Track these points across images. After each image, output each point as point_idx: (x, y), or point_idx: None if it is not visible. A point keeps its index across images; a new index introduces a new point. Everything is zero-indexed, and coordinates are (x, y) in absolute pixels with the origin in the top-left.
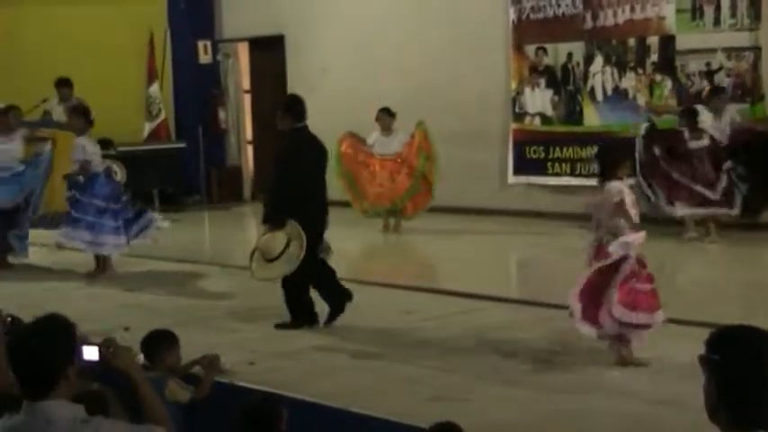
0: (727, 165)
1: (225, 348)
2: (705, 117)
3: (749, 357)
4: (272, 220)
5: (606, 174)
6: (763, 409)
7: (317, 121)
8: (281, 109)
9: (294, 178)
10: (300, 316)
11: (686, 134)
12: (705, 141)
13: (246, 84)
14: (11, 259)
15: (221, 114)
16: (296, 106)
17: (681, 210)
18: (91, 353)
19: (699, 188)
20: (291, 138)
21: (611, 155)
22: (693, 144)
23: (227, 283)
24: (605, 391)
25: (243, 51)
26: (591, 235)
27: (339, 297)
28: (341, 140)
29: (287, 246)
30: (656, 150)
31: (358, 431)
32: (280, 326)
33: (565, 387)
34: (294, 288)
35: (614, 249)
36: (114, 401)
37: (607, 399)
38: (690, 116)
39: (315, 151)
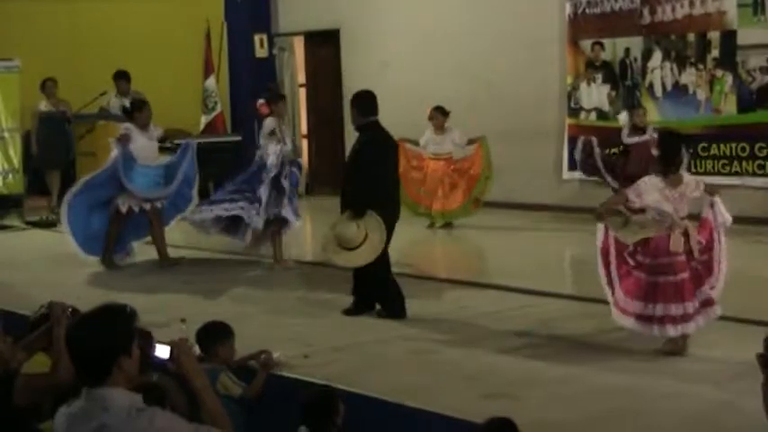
0: None
1: (280, 341)
2: None
3: None
4: (354, 210)
5: (674, 164)
6: None
7: None
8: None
9: (365, 172)
10: (388, 301)
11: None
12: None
13: (302, 78)
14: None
15: None
16: (360, 101)
17: None
18: (163, 351)
19: None
20: (360, 133)
21: (677, 143)
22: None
23: (281, 276)
24: (661, 389)
25: (299, 45)
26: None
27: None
28: None
29: (366, 236)
30: None
31: (412, 426)
32: (351, 313)
33: (618, 385)
34: (374, 277)
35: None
36: (175, 390)
37: (662, 398)
38: None
39: (381, 146)
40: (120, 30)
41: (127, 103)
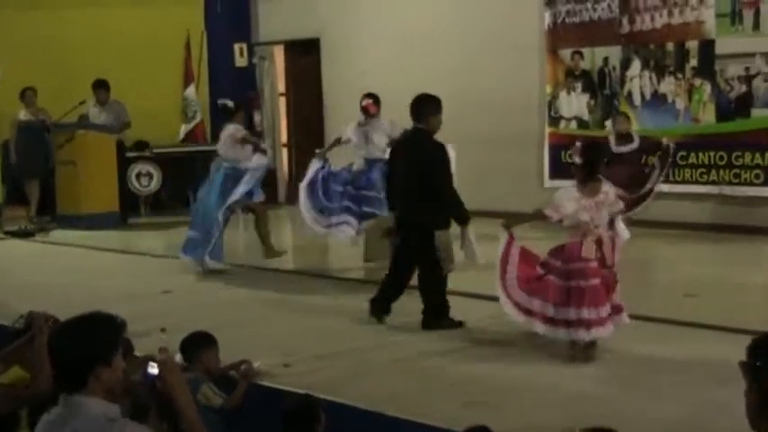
0: None
1: (260, 350)
2: None
3: None
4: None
5: (593, 174)
6: None
7: None
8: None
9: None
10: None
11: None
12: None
13: (282, 87)
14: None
15: (257, 117)
16: (411, 107)
17: None
18: (154, 368)
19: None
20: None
21: (596, 153)
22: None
23: (260, 285)
24: (645, 393)
25: (279, 54)
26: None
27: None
28: None
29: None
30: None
31: None
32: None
33: (603, 392)
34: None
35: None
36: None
37: (646, 404)
38: None
39: (402, 153)
40: (100, 39)
41: (103, 114)
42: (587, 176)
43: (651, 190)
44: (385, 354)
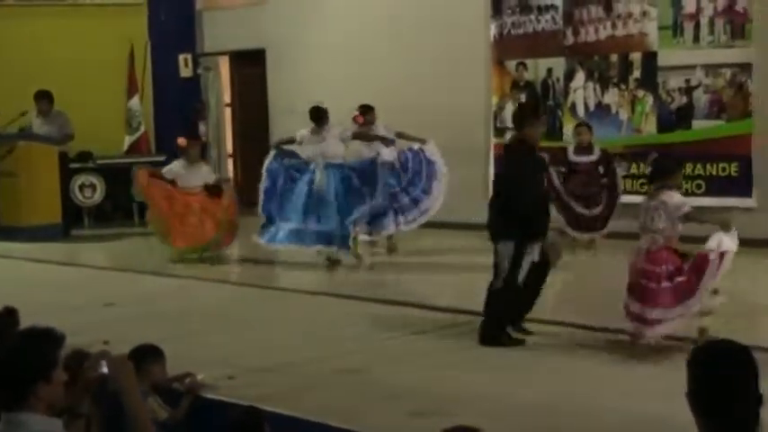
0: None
1: (204, 362)
2: None
3: (714, 373)
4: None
5: (660, 181)
6: (735, 426)
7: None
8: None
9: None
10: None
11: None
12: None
13: (227, 97)
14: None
15: (202, 128)
16: (514, 115)
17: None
18: (105, 367)
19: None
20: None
21: (668, 163)
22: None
23: (204, 296)
24: (597, 402)
25: (224, 65)
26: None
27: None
28: None
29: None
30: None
31: None
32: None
33: (555, 402)
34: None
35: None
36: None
37: (603, 413)
38: None
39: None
40: (43, 49)
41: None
42: (653, 186)
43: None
44: (330, 365)
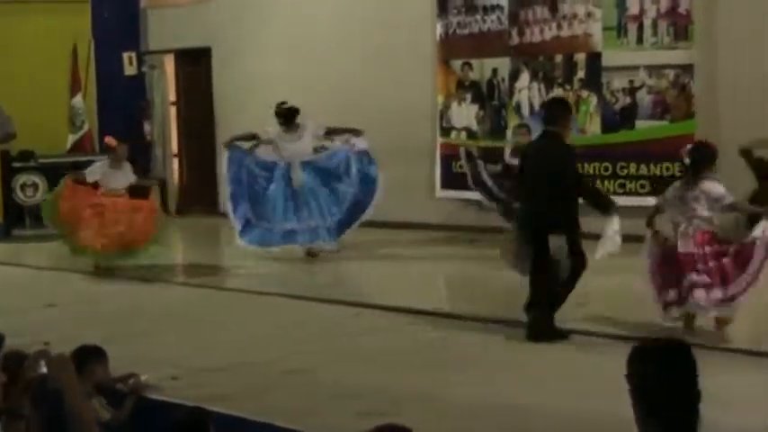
0: None
1: (148, 363)
2: None
3: (655, 373)
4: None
5: (700, 171)
6: (675, 423)
7: None
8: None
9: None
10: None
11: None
12: None
13: (173, 96)
14: None
15: (147, 126)
16: (545, 109)
17: None
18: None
19: None
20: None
21: (707, 153)
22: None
23: (150, 298)
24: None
25: (169, 63)
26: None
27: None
28: None
29: None
30: None
31: None
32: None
33: (500, 402)
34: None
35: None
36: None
37: (541, 414)
38: None
39: (531, 158)
40: None
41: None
42: (693, 175)
43: None
44: (278, 366)
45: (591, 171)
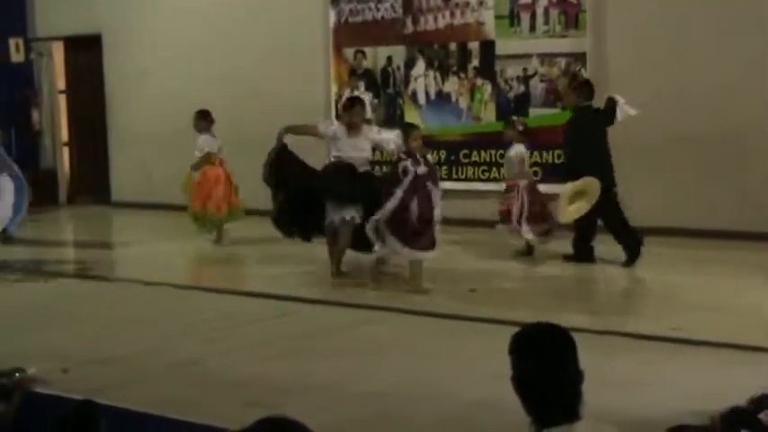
0: None
1: (36, 356)
2: None
3: (533, 356)
4: (568, 176)
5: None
6: (557, 405)
7: (138, 123)
8: (569, 86)
9: (574, 147)
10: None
11: None
12: None
13: (62, 84)
14: None
15: (35, 115)
16: (581, 88)
17: None
18: None
19: None
20: (575, 112)
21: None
22: None
23: (34, 291)
24: (419, 392)
25: (58, 50)
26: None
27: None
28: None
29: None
30: None
31: None
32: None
33: (383, 390)
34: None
35: None
36: None
37: (422, 401)
38: None
39: (590, 123)
40: None
41: None
42: None
43: None
44: (164, 357)
45: (486, 158)
